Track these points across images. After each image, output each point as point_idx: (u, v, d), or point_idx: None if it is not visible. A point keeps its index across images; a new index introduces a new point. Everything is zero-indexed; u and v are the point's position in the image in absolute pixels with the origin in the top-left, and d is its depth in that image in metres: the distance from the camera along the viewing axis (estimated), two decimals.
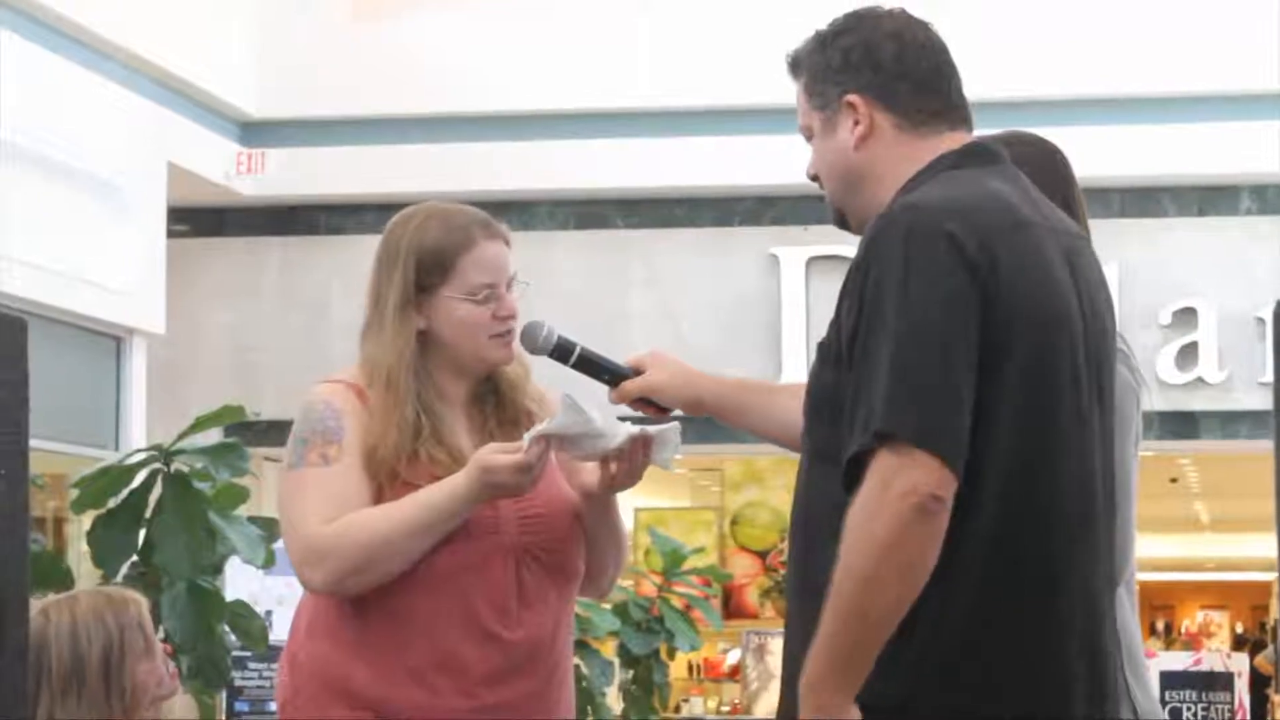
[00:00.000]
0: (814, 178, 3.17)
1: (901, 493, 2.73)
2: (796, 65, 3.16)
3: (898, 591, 2.76)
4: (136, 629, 3.88)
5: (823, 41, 3.12)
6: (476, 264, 3.67)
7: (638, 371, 3.52)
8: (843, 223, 3.17)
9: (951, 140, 3.07)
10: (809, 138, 3.16)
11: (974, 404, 2.80)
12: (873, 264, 2.86)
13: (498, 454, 3.50)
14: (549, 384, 3.82)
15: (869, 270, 2.86)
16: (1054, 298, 2.92)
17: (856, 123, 3.06)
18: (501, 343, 3.69)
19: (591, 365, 3.55)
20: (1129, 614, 3.44)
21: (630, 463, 3.58)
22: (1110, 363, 3.06)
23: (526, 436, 3.48)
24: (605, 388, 3.55)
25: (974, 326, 2.81)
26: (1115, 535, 3.07)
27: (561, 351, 3.56)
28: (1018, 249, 2.90)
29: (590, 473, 3.65)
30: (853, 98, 3.07)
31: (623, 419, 3.55)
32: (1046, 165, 3.58)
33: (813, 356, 3.15)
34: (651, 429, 3.54)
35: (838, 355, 2.91)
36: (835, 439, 2.88)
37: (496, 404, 3.75)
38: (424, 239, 3.67)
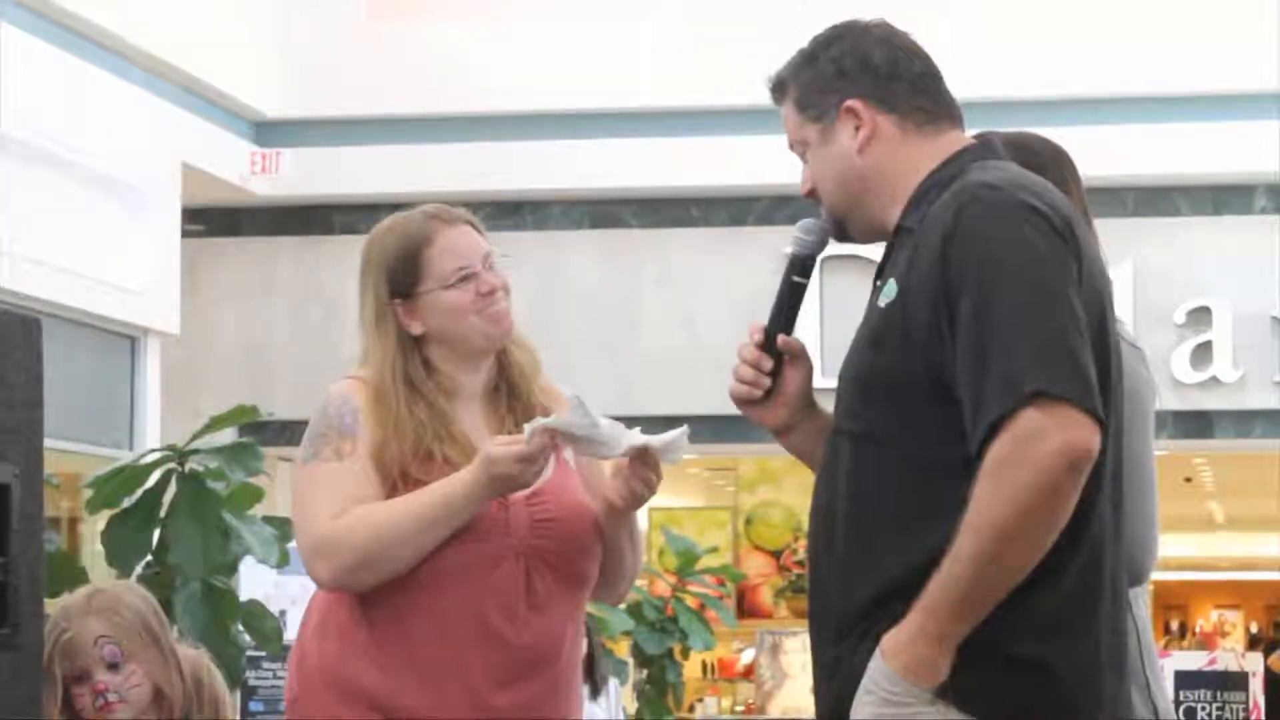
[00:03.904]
0: (810, 194, 3.19)
1: (1058, 448, 2.75)
2: (781, 85, 3.19)
3: (1035, 544, 2.78)
4: (62, 655, 3.87)
5: (811, 55, 3.17)
6: (442, 253, 3.69)
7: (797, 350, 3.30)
8: (842, 233, 3.18)
9: (957, 138, 3.13)
10: (803, 154, 3.17)
11: None
12: (966, 241, 2.89)
13: (501, 445, 3.51)
14: (554, 379, 3.83)
15: (962, 247, 2.89)
16: (1103, 279, 2.99)
17: (858, 128, 3.10)
18: (492, 317, 3.70)
19: (793, 303, 3.28)
20: (1145, 611, 3.43)
21: (641, 475, 3.59)
22: None
23: (527, 428, 3.49)
24: (609, 401, 3.49)
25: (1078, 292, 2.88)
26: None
27: (802, 268, 3.27)
28: (1083, 232, 2.97)
29: (611, 487, 3.66)
30: (853, 103, 3.11)
31: (630, 425, 3.54)
32: (1051, 166, 3.58)
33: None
34: (655, 441, 3.53)
35: (903, 336, 2.92)
36: (891, 420, 2.93)
37: (510, 395, 3.75)
38: (386, 250, 3.73)
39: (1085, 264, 2.93)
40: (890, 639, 2.85)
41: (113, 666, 3.90)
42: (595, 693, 10.60)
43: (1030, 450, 2.76)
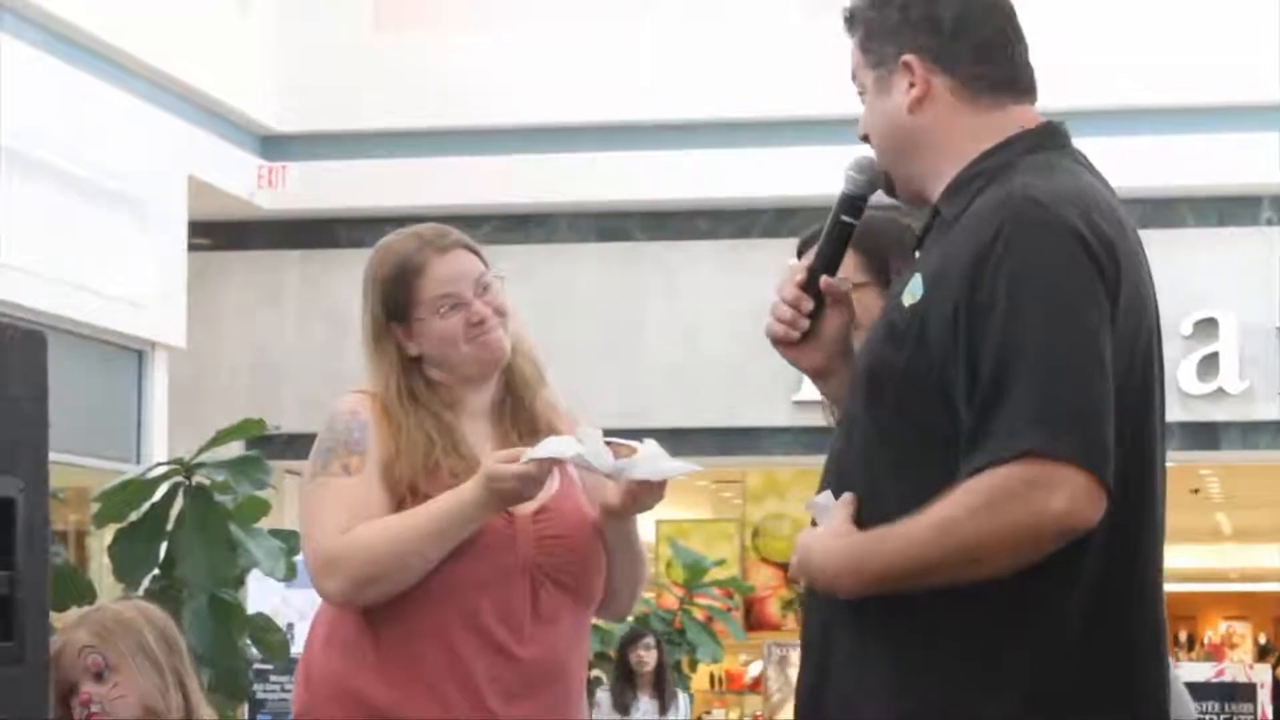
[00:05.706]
0: (865, 138, 3.02)
1: (1063, 510, 2.62)
2: (852, 19, 3.00)
3: (980, 573, 2.67)
4: (54, 665, 3.88)
5: None
6: (432, 282, 3.69)
7: (839, 292, 3.17)
8: (889, 185, 3.02)
9: (1018, 115, 2.91)
10: (861, 95, 3.01)
11: None
12: (997, 268, 2.71)
13: (502, 462, 3.51)
14: (560, 392, 3.83)
15: (992, 274, 2.71)
16: (1147, 303, 2.83)
17: (911, 85, 2.90)
18: (483, 345, 3.70)
19: (840, 244, 3.13)
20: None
21: (646, 488, 3.59)
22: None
23: (526, 455, 3.49)
24: (615, 414, 3.49)
25: (1110, 339, 2.72)
26: None
27: (852, 208, 3.12)
28: (1126, 255, 2.80)
29: (613, 491, 3.66)
30: (909, 58, 2.90)
31: (637, 438, 3.53)
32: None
33: None
34: (639, 475, 3.52)
35: (918, 334, 2.78)
36: (899, 421, 2.80)
37: (514, 409, 3.76)
38: (382, 272, 3.74)
39: (1125, 290, 2.76)
40: (834, 570, 2.78)
41: (98, 677, 3.90)
42: (664, 708, 10.64)
43: (1035, 499, 2.62)
